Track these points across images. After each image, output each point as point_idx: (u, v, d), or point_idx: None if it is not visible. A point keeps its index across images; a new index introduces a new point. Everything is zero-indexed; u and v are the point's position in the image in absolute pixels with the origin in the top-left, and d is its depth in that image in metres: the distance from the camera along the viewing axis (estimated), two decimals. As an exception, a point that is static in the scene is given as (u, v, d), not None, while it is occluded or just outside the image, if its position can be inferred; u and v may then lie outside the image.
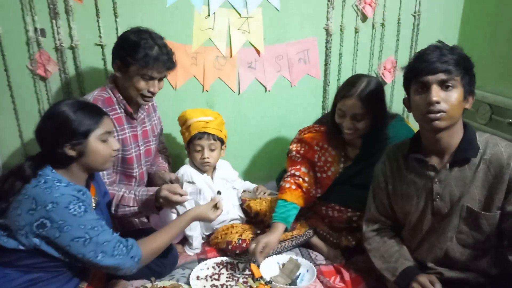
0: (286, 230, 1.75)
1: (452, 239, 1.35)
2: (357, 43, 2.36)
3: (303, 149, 1.87)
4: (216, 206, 1.56)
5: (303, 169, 1.83)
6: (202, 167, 1.91)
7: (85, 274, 1.40)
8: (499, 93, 2.15)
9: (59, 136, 1.25)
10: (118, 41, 1.67)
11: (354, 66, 2.40)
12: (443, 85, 1.24)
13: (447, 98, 1.23)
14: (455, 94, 1.23)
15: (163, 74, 1.65)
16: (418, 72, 1.27)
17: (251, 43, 2.20)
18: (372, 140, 1.73)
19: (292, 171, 1.84)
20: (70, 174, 1.30)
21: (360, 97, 1.63)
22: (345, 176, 1.80)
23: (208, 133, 1.85)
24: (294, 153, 1.88)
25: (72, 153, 1.27)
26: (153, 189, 1.56)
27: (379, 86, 1.69)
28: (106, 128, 1.32)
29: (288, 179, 1.82)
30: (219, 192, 1.80)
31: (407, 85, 1.35)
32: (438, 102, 1.22)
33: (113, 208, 1.57)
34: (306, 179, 1.82)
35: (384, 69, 2.45)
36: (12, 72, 1.94)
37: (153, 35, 1.63)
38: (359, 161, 1.78)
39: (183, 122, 1.90)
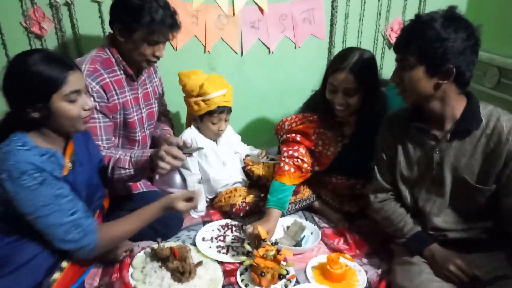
0: (282, 216, 1.71)
1: (446, 207, 1.37)
2: (364, 2, 2.28)
3: (299, 136, 1.78)
4: (190, 199, 1.39)
5: (301, 149, 1.75)
6: (214, 137, 1.91)
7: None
8: (508, 56, 2.10)
9: (18, 97, 1.14)
10: (118, 2, 1.55)
11: (361, 27, 2.33)
12: (401, 64, 1.28)
13: (404, 78, 1.27)
14: (412, 74, 1.25)
15: (168, 37, 1.59)
16: None
17: (254, 1, 2.11)
18: (366, 116, 1.68)
19: (290, 152, 1.75)
20: (40, 136, 1.20)
21: (352, 71, 1.56)
22: (344, 154, 1.77)
23: (227, 106, 1.85)
24: (290, 139, 1.79)
25: (36, 115, 1.15)
26: (149, 151, 1.50)
27: (372, 60, 1.64)
28: (73, 86, 1.17)
29: (287, 160, 1.73)
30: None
31: None
32: (394, 82, 1.31)
33: (109, 171, 1.51)
34: (305, 159, 1.74)
35: (391, 30, 2.38)
36: (6, 30, 1.85)
37: None
38: (355, 139, 1.74)
39: (199, 93, 1.80)
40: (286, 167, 1.71)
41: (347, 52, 1.63)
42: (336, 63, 1.62)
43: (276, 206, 1.63)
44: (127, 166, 1.49)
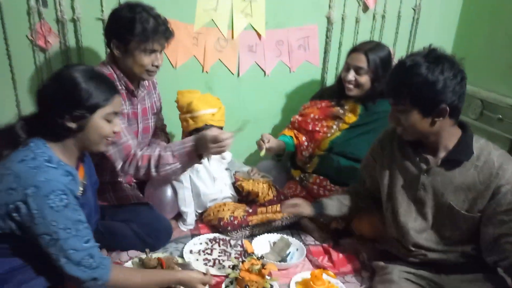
0: (283, 151, 2.03)
1: (430, 228, 1.42)
2: (357, 33, 2.39)
3: (300, 117, 2.10)
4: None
5: (295, 131, 2.09)
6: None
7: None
8: (491, 90, 2.21)
9: (63, 103, 1.15)
10: (111, 20, 1.62)
11: (353, 56, 2.43)
12: (396, 108, 1.34)
13: (402, 121, 1.33)
14: (407, 117, 1.31)
15: (163, 45, 1.64)
16: None
17: (252, 27, 2.22)
18: (372, 107, 1.90)
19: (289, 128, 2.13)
20: (62, 149, 1.20)
21: (366, 53, 1.84)
22: (339, 142, 1.92)
23: (215, 126, 1.85)
24: (291, 122, 2.13)
25: (72, 125, 1.17)
26: (189, 140, 1.57)
27: (388, 54, 1.89)
28: (115, 107, 1.23)
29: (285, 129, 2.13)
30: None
31: None
32: (397, 126, 1.37)
33: (153, 170, 1.54)
34: (299, 136, 2.07)
35: (382, 60, 2.48)
36: (12, 42, 1.93)
37: (145, 8, 1.60)
38: (355, 127, 1.92)
39: (188, 110, 1.85)
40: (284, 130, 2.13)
41: (368, 41, 1.98)
42: (356, 46, 1.94)
43: (281, 138, 2.04)
44: (171, 161, 1.54)
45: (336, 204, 1.66)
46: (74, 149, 1.23)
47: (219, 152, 1.58)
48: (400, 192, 1.46)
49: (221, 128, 1.90)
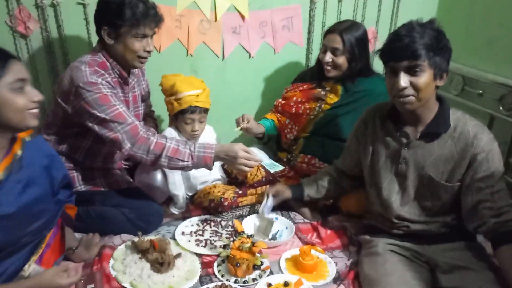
0: (262, 134, 2.08)
1: (412, 200, 1.48)
2: (340, 12, 2.39)
3: (283, 101, 2.13)
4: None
5: (279, 115, 2.14)
6: (190, 138, 1.93)
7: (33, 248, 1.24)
8: (472, 66, 2.25)
9: None
10: (99, 7, 1.61)
11: (337, 35, 2.44)
12: (411, 70, 1.29)
13: (415, 83, 1.30)
14: (422, 78, 1.29)
15: (154, 29, 1.63)
16: (386, 58, 1.35)
17: (235, 8, 2.21)
18: (351, 86, 1.94)
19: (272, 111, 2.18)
20: None
21: (341, 33, 1.86)
22: (322, 123, 1.97)
23: (200, 107, 1.86)
24: (274, 106, 2.18)
25: None
26: (211, 147, 1.57)
27: (364, 32, 1.91)
28: (18, 74, 1.08)
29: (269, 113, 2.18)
30: None
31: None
32: (405, 88, 1.30)
33: (164, 160, 1.53)
34: (283, 119, 2.12)
35: (365, 39, 2.50)
36: (-9, 28, 1.89)
37: None
38: (337, 107, 1.97)
39: (172, 93, 1.84)
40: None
41: (343, 20, 1.98)
42: (331, 27, 1.95)
43: (262, 121, 2.11)
44: (186, 159, 1.54)
45: (315, 187, 1.77)
46: None
47: (245, 168, 1.56)
48: (382, 167, 1.51)
49: (206, 109, 1.90)
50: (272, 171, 1.94)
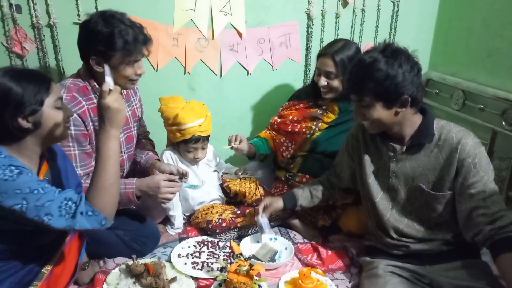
0: (253, 154, 2.06)
1: (408, 214, 1.45)
2: (338, 28, 2.39)
3: (279, 119, 2.09)
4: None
5: (274, 133, 2.11)
6: (192, 163, 1.92)
7: (48, 256, 1.29)
8: (472, 79, 2.23)
9: (4, 110, 1.13)
10: (86, 36, 1.53)
11: (335, 51, 2.43)
12: (359, 104, 1.37)
13: (367, 115, 1.36)
14: (371, 111, 1.35)
15: (143, 53, 1.61)
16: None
17: (233, 26, 2.21)
18: (348, 105, 1.89)
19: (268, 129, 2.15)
20: (21, 150, 1.19)
21: (333, 56, 1.81)
22: (320, 142, 1.95)
23: (203, 136, 1.84)
24: (270, 124, 2.14)
25: (27, 125, 1.16)
26: (130, 182, 1.59)
27: (356, 51, 1.85)
28: (58, 94, 1.22)
29: (264, 130, 2.16)
30: (185, 177, 1.77)
31: None
32: (357, 119, 1.42)
33: None
34: (278, 138, 2.08)
35: (364, 54, 2.49)
36: (-13, 49, 1.89)
37: (119, 18, 1.53)
38: (334, 126, 1.94)
39: (174, 124, 1.81)
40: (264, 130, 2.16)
41: (334, 41, 1.91)
42: (322, 49, 1.91)
43: (251, 141, 2.06)
44: None
45: (308, 197, 1.73)
46: (34, 147, 1.22)
47: (169, 196, 1.64)
48: (374, 182, 1.50)
49: (208, 136, 1.89)
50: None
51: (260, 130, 2.37)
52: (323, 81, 1.86)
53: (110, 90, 1.24)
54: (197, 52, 2.20)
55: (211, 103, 2.12)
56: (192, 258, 1.66)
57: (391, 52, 1.31)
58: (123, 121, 1.26)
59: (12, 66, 1.26)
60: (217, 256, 1.68)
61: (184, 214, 1.95)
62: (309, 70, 2.42)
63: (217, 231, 1.80)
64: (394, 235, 1.46)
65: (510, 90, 2.00)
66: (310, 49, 2.37)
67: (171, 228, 1.87)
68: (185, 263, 1.62)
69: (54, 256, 1.31)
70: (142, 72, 1.63)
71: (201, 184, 1.93)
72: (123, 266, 1.53)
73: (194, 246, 1.75)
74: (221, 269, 1.55)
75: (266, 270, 1.58)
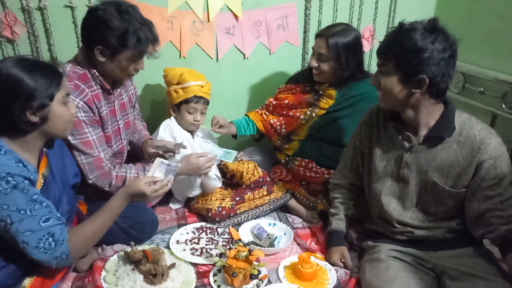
0: (235, 136, 2.07)
1: (414, 206, 1.42)
2: (336, 10, 2.34)
3: (275, 101, 2.05)
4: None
5: (266, 115, 2.08)
6: (190, 127, 1.95)
7: (32, 267, 1.25)
8: (472, 63, 2.20)
9: (13, 102, 1.10)
10: (97, 26, 1.46)
11: (333, 34, 2.39)
12: (380, 69, 1.32)
13: (382, 84, 1.31)
14: (387, 80, 1.29)
15: (150, 51, 1.60)
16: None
17: (228, 8, 2.15)
18: (346, 90, 1.86)
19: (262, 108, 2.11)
20: (23, 143, 1.18)
21: (328, 39, 1.75)
22: (318, 128, 1.91)
23: (204, 97, 1.90)
24: (268, 102, 2.09)
25: (34, 119, 1.14)
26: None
27: (354, 39, 1.79)
28: (66, 89, 1.22)
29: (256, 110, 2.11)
30: (183, 146, 1.77)
31: None
32: (374, 85, 1.35)
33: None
34: (277, 118, 2.04)
35: (363, 37, 2.44)
36: (-24, 34, 1.84)
37: (134, 14, 1.50)
38: (332, 112, 1.90)
39: (178, 81, 1.88)
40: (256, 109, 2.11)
41: (335, 24, 1.88)
42: (321, 30, 1.85)
43: (234, 122, 2.06)
44: None
45: (346, 220, 1.63)
46: (37, 141, 1.21)
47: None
48: (384, 171, 1.45)
49: (208, 101, 1.94)
50: (229, 160, 1.87)
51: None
52: (313, 62, 1.83)
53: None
54: (193, 36, 2.15)
55: (207, 88, 2.09)
56: (191, 244, 1.65)
57: (432, 26, 1.23)
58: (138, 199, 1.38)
59: (24, 56, 1.20)
60: (215, 242, 1.67)
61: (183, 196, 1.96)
62: (307, 53, 2.38)
63: (217, 219, 1.79)
64: (397, 225, 1.44)
65: (511, 72, 1.98)
66: (308, 31, 2.33)
67: (173, 203, 1.95)
68: (184, 249, 1.61)
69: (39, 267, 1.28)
70: (142, 68, 1.62)
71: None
72: (122, 253, 1.52)
73: (193, 232, 1.74)
74: (220, 255, 1.54)
75: (265, 255, 1.58)
